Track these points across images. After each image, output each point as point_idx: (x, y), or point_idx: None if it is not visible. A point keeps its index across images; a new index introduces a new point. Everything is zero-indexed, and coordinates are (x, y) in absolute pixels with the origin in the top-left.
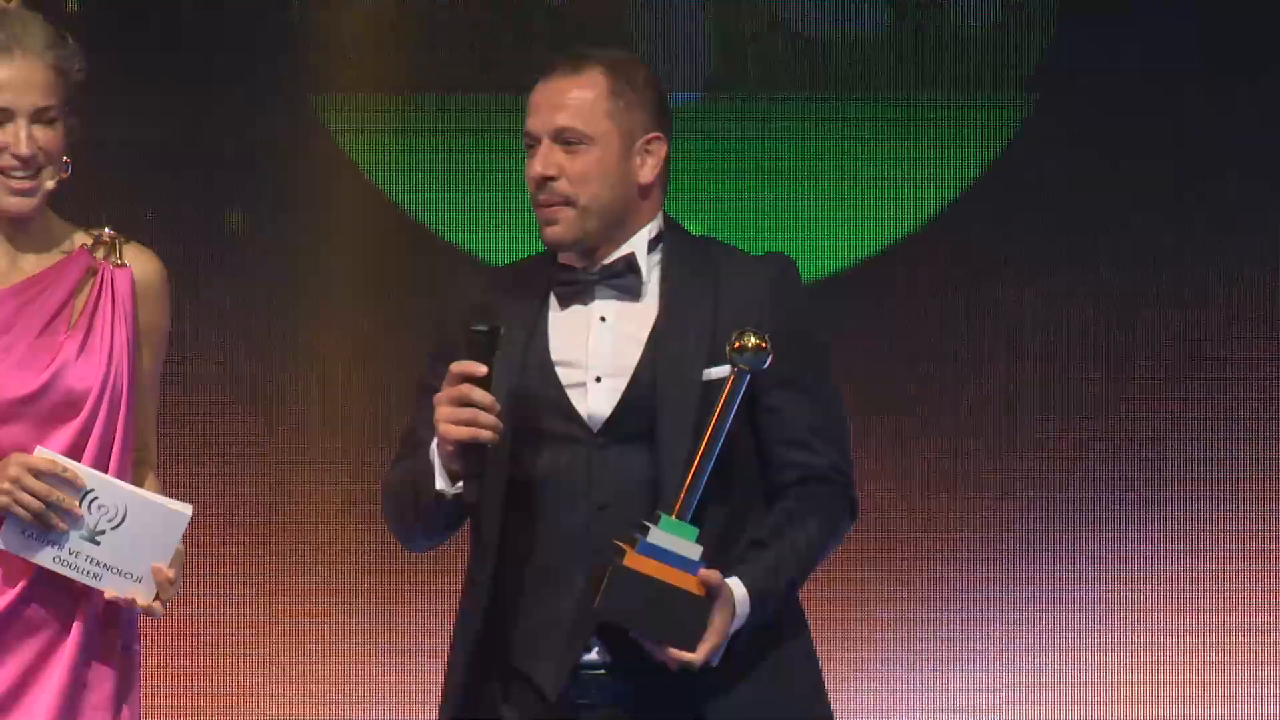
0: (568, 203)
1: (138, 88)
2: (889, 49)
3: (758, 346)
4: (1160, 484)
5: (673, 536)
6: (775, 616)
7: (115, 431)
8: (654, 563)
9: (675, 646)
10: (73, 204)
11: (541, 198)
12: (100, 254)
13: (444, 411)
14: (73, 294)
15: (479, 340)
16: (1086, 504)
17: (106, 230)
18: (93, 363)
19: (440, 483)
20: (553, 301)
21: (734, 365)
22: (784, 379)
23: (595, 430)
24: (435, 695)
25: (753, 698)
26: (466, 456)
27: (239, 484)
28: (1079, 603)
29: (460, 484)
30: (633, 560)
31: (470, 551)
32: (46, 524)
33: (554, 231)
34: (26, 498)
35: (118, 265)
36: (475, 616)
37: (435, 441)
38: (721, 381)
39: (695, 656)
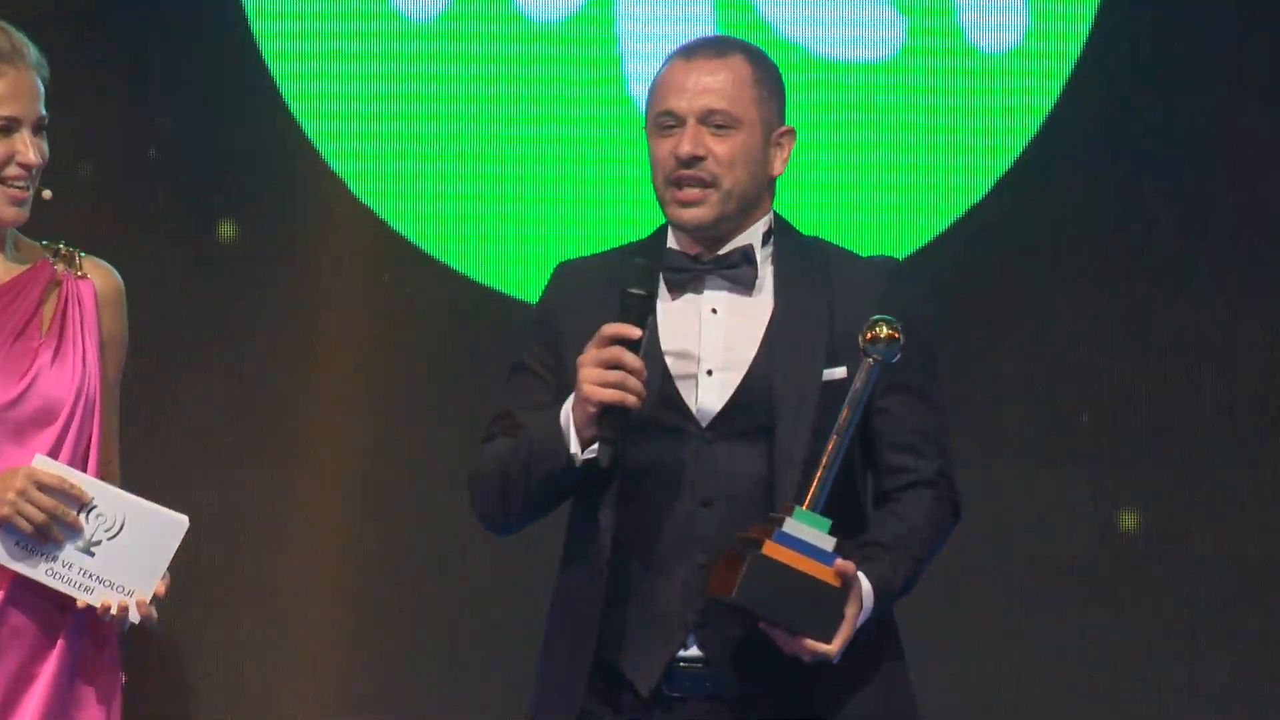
0: (712, 184)
1: (119, 99)
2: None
3: (891, 337)
4: None
5: (807, 527)
6: (882, 630)
7: (90, 440)
8: (791, 552)
9: (811, 637)
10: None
11: (685, 175)
12: (61, 266)
13: (591, 373)
14: (40, 303)
15: (635, 303)
16: None
17: (62, 244)
18: (66, 371)
19: (574, 446)
20: (661, 289)
21: (867, 355)
22: (896, 382)
23: (704, 424)
24: (444, 698)
25: (858, 703)
26: (607, 420)
27: (240, 491)
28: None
29: (590, 449)
30: (770, 549)
31: (570, 537)
32: (46, 537)
33: (696, 213)
34: (31, 510)
35: (80, 277)
36: (590, 604)
37: (570, 404)
38: (840, 382)
39: (831, 648)
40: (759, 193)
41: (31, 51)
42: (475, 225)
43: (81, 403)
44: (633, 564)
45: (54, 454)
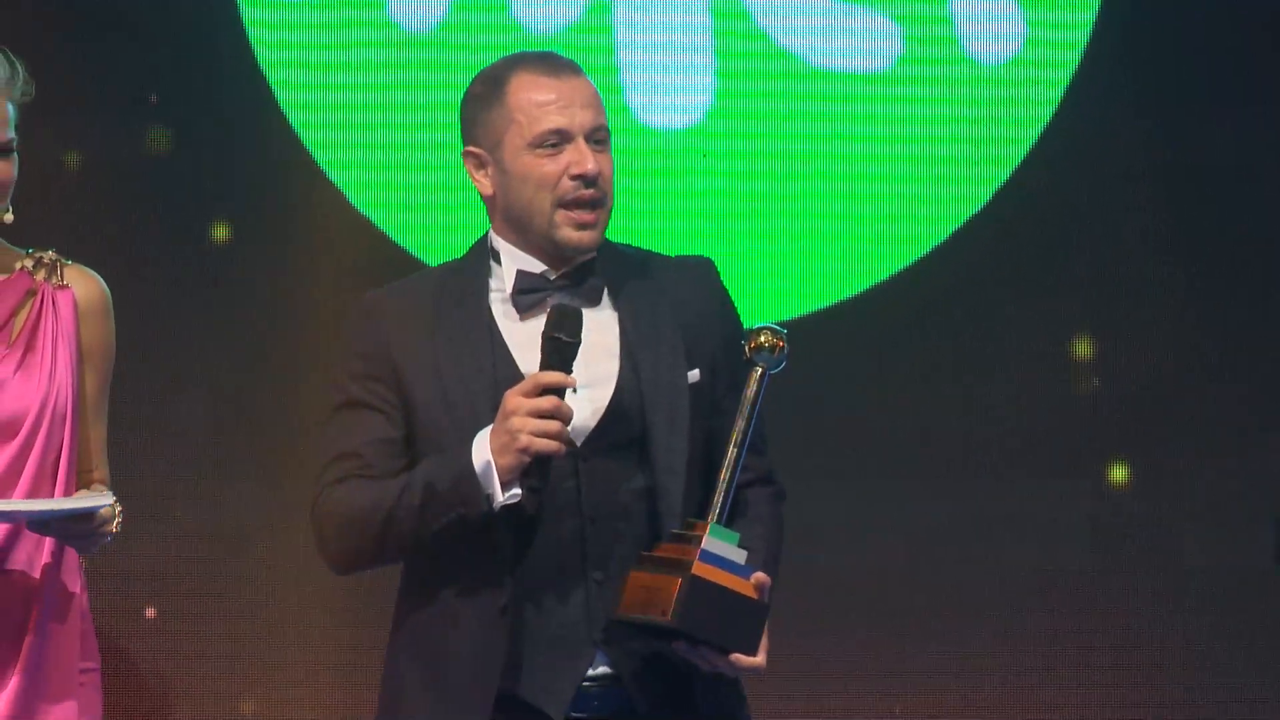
0: (600, 205)
1: (118, 106)
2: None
3: (775, 345)
4: None
5: (723, 543)
6: None
7: (59, 451)
8: (718, 570)
9: (741, 652)
10: (47, 223)
11: (587, 196)
12: (41, 275)
13: (529, 423)
14: (12, 314)
15: (564, 349)
16: None
17: (49, 252)
18: (32, 383)
19: (501, 494)
20: (501, 310)
21: (755, 364)
22: (733, 383)
23: (579, 442)
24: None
25: (727, 703)
26: (539, 469)
27: (232, 501)
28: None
29: (511, 495)
30: (700, 569)
31: (428, 582)
32: None
33: (589, 236)
34: None
35: (59, 286)
36: (490, 643)
37: (486, 449)
38: (700, 385)
39: (759, 661)
40: None
41: (3, 73)
42: (473, 235)
43: (48, 415)
44: (526, 590)
45: (17, 466)
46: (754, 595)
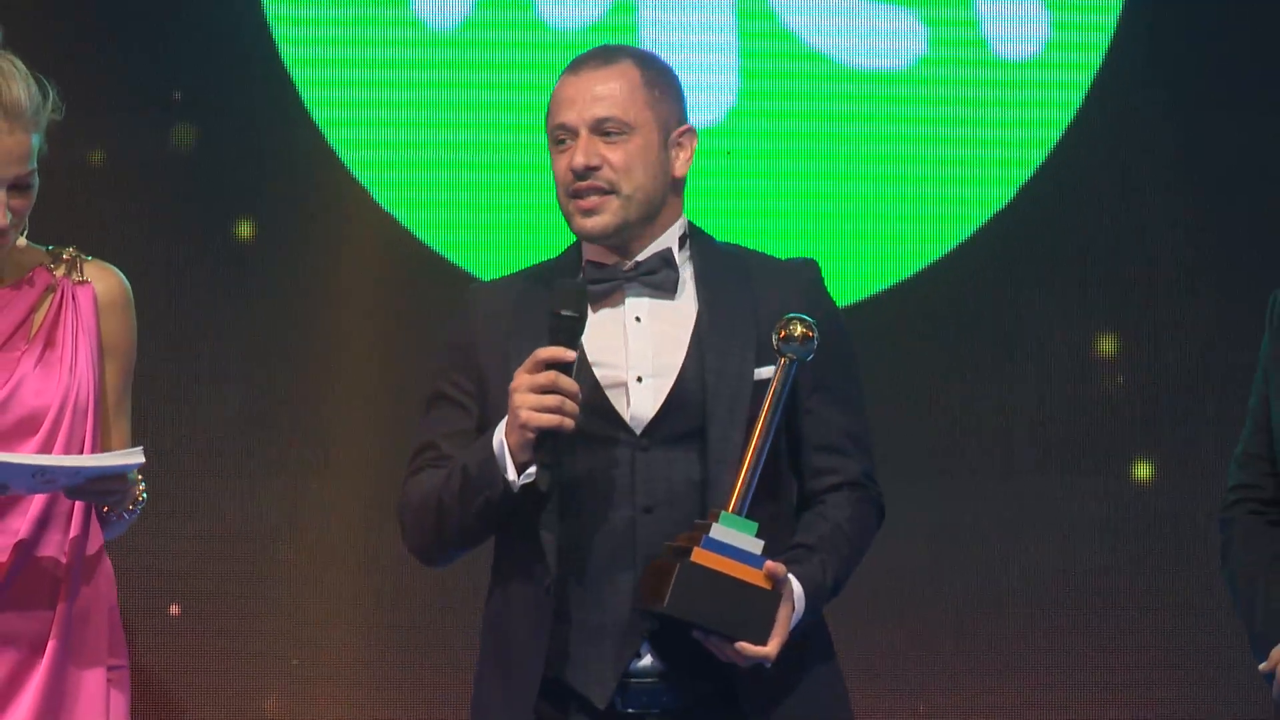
0: (611, 191)
1: (143, 104)
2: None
3: (805, 335)
4: None
5: (734, 531)
6: (808, 629)
7: (81, 446)
8: (720, 558)
9: (746, 641)
10: (72, 221)
11: (582, 187)
12: (60, 271)
13: (527, 399)
14: (31, 311)
15: (566, 325)
16: None
17: (69, 249)
18: (52, 378)
19: (511, 472)
20: None
21: (781, 354)
22: (821, 383)
23: (638, 432)
24: (466, 704)
25: (793, 707)
26: (545, 444)
27: (258, 497)
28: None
29: (526, 474)
30: (700, 556)
31: (505, 558)
32: None
33: (596, 222)
34: None
35: (79, 282)
36: (536, 624)
37: (501, 430)
38: (770, 380)
39: (768, 650)
40: (663, 195)
41: (23, 102)
42: (498, 233)
43: (69, 410)
44: (576, 577)
45: None
46: (764, 584)
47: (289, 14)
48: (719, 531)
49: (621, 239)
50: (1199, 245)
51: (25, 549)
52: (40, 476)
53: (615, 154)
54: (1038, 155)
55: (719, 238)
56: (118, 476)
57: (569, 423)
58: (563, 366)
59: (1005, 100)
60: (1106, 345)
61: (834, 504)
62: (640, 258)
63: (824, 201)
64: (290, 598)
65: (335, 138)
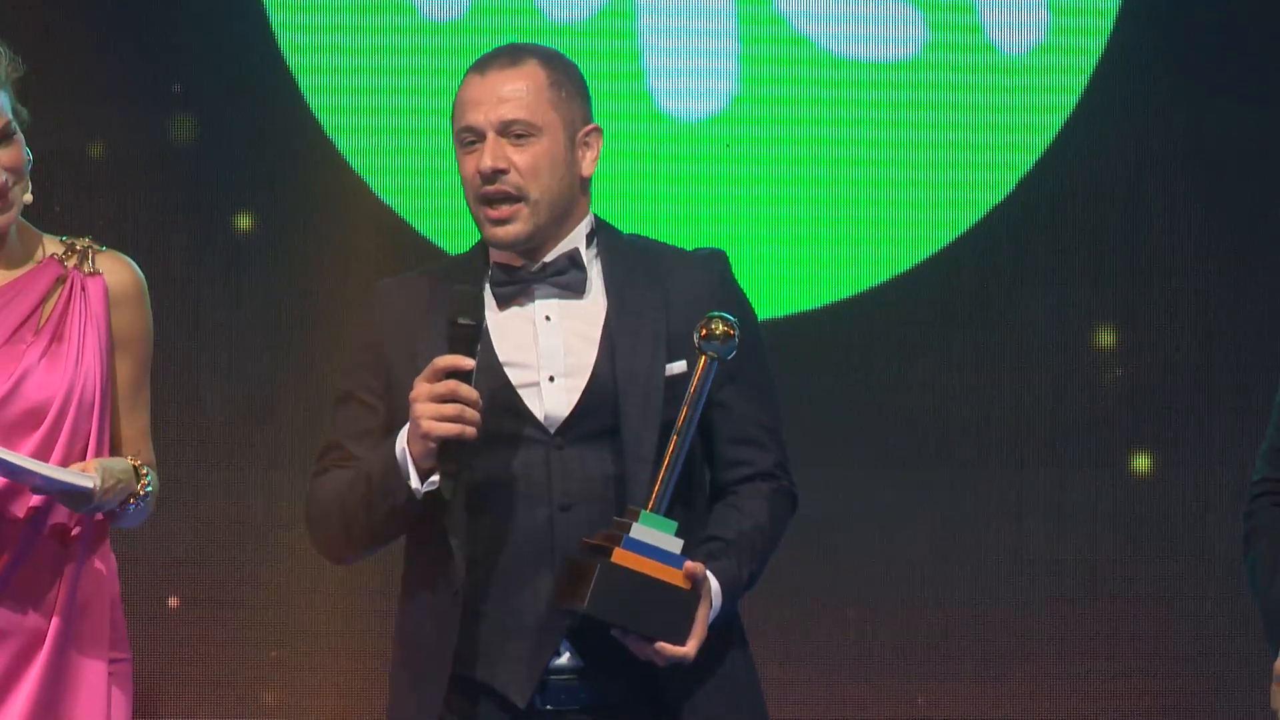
0: (519, 198)
1: (143, 96)
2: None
3: (726, 333)
4: None
5: (654, 531)
6: (724, 620)
7: (86, 440)
8: (640, 558)
9: (666, 641)
10: (72, 212)
11: (490, 192)
12: (71, 262)
13: (427, 408)
14: (41, 302)
15: (464, 334)
16: None
17: (84, 239)
18: (58, 370)
19: (415, 480)
20: (489, 302)
21: (702, 352)
22: (733, 375)
23: (553, 430)
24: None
25: (714, 700)
26: (447, 453)
27: (251, 490)
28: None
29: (430, 482)
30: (619, 556)
31: (413, 562)
32: None
33: (510, 230)
34: None
35: (90, 273)
36: (445, 626)
37: (404, 439)
38: (682, 376)
39: (687, 650)
40: (572, 196)
41: None
42: None
43: (74, 403)
44: (492, 577)
45: (43, 454)
46: (683, 584)
47: (289, 6)
48: (639, 531)
49: (531, 245)
50: (1198, 238)
51: (25, 541)
52: (5, 468)
53: (522, 157)
54: (1037, 147)
55: (718, 232)
56: (79, 495)
57: (470, 431)
58: (462, 375)
59: (1005, 92)
60: (1105, 338)
61: (748, 495)
62: (548, 259)
63: (824, 194)
64: (288, 590)
65: (335, 130)
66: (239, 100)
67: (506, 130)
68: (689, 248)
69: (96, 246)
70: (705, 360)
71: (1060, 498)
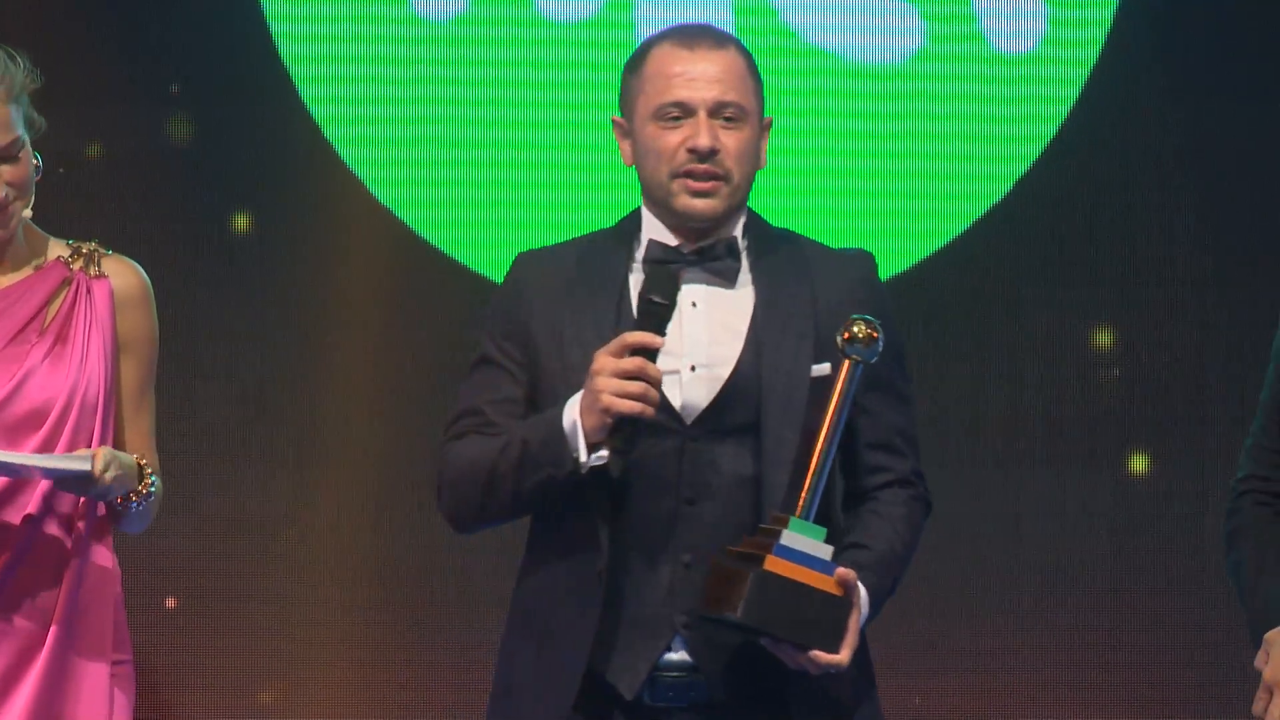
0: (723, 178)
1: (141, 97)
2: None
3: (870, 336)
4: None
5: (804, 537)
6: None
7: (89, 441)
8: (792, 565)
9: (820, 649)
10: (69, 214)
11: (700, 170)
12: (77, 265)
13: (611, 383)
14: (45, 304)
15: (658, 311)
16: None
17: (91, 242)
18: (61, 372)
19: (583, 454)
20: (635, 280)
21: (846, 356)
22: (878, 381)
23: (689, 422)
24: (459, 697)
25: (832, 702)
26: (622, 430)
27: (252, 491)
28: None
29: (597, 457)
30: (772, 564)
31: (546, 541)
32: None
33: (710, 204)
34: None
35: (96, 276)
36: (586, 606)
37: (574, 409)
38: (825, 378)
39: (841, 658)
40: (751, 185)
41: (7, 77)
42: (493, 225)
43: (76, 405)
44: (617, 565)
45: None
46: (836, 591)
47: (286, 7)
48: (789, 538)
49: (715, 224)
50: (1196, 238)
51: (26, 541)
52: (4, 469)
53: (731, 140)
54: (1035, 149)
55: None
56: (81, 480)
57: (650, 411)
58: (648, 353)
59: (1002, 94)
60: (1103, 338)
61: (888, 502)
62: (705, 242)
63: (821, 194)
64: (286, 590)
65: (332, 131)
66: (236, 100)
67: (718, 111)
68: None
69: (103, 250)
70: (850, 364)
71: (1057, 498)
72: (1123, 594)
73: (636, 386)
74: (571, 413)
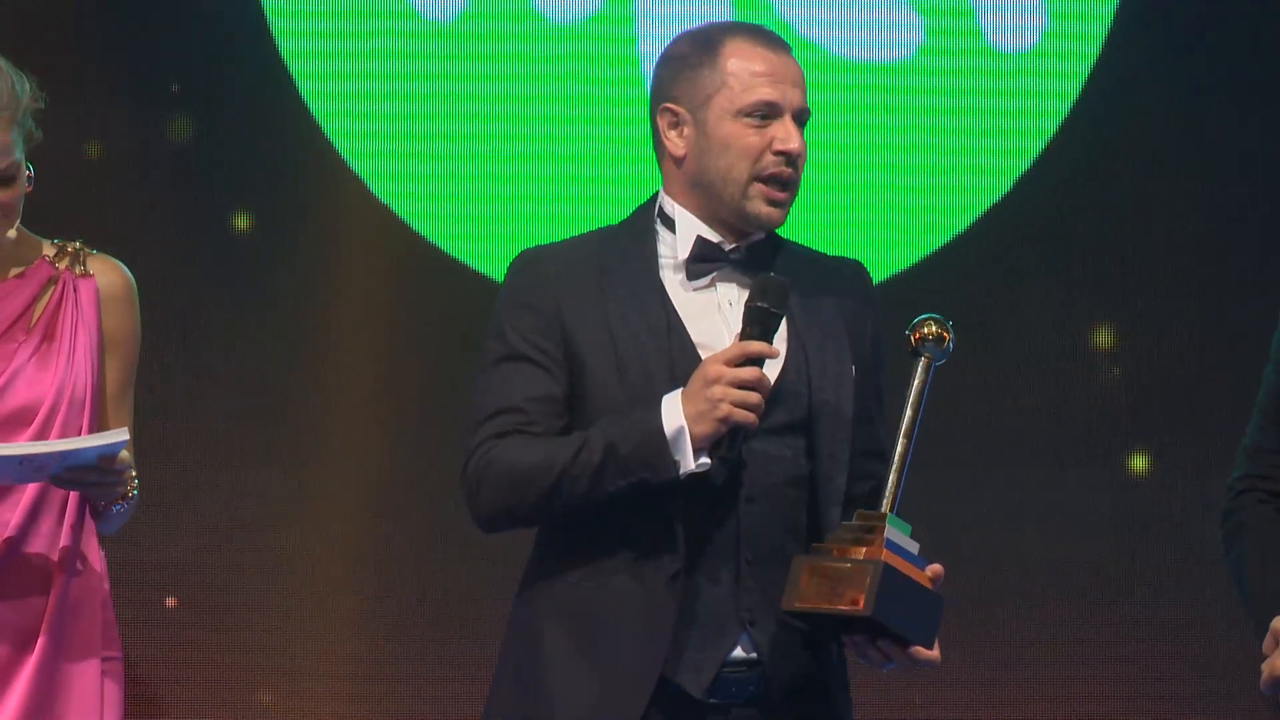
0: (795, 186)
1: (140, 96)
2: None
3: (941, 335)
4: None
5: (900, 533)
6: None
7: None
8: (900, 560)
9: (923, 645)
10: (69, 214)
11: (786, 174)
12: (63, 264)
13: (731, 393)
14: (32, 303)
15: (768, 319)
16: None
17: (75, 242)
18: (49, 371)
19: (689, 461)
20: (672, 277)
21: (921, 355)
22: (877, 391)
23: None
24: (462, 697)
25: (845, 702)
26: (731, 439)
27: (252, 491)
28: None
29: (700, 464)
30: (889, 559)
31: (609, 545)
32: None
33: (779, 214)
34: None
35: (82, 275)
36: (659, 612)
37: (679, 415)
38: (856, 380)
39: (936, 655)
40: None
41: (7, 96)
42: (494, 225)
43: (64, 403)
44: (686, 566)
45: None
46: (930, 587)
47: (286, 6)
48: (892, 534)
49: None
50: (1195, 237)
51: (15, 541)
52: (29, 465)
53: (801, 146)
54: (1034, 147)
55: None
56: (107, 461)
57: (756, 421)
58: (756, 362)
59: (1002, 92)
60: (1103, 338)
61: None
62: (744, 242)
63: (820, 194)
64: (285, 590)
65: (332, 130)
66: (236, 99)
67: (799, 116)
68: None
69: (88, 249)
70: (925, 362)
71: (1057, 498)
72: (1123, 594)
73: (755, 397)
74: (675, 418)
